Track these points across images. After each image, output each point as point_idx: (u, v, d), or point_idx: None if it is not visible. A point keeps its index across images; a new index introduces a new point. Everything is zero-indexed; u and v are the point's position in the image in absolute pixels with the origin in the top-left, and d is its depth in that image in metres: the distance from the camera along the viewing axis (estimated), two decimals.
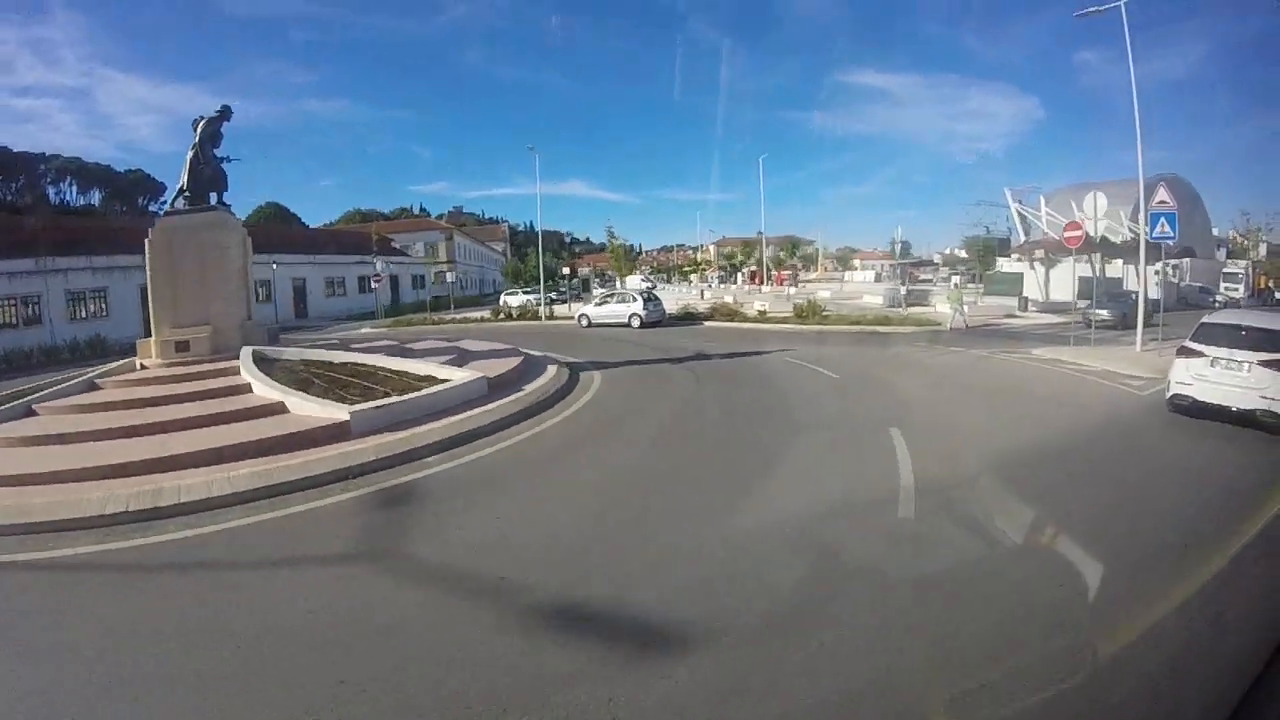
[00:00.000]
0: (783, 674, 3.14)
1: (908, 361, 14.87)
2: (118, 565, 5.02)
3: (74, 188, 62.81)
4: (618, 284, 43.08)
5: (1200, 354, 8.27)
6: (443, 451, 7.44)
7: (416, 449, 7.35)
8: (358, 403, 8.53)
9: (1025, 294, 32.95)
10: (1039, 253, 35.47)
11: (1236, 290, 38.13)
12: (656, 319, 24.85)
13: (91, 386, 10.84)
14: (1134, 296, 19.10)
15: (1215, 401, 8.00)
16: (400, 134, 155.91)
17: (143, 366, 11.81)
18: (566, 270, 44.10)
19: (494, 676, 3.19)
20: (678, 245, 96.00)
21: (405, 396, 9.00)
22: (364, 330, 27.87)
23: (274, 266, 36.35)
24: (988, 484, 6.29)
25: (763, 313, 26.11)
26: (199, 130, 13.21)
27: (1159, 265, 30.02)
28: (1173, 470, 6.80)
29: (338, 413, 8.10)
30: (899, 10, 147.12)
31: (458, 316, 32.59)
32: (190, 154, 13.19)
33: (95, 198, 63.35)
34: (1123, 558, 4.46)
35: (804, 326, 23.12)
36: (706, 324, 25.54)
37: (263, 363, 10.66)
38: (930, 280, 51.17)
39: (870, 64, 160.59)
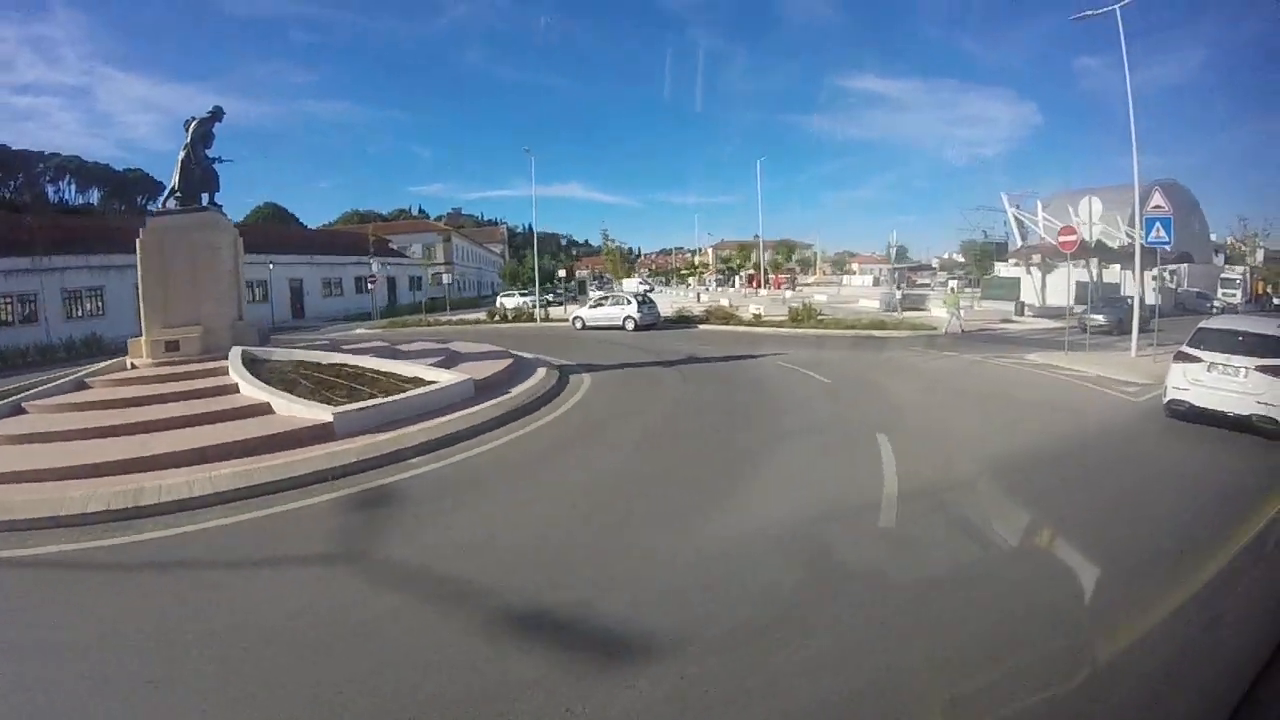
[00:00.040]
0: (746, 686, 3.11)
1: (900, 366, 14.84)
2: (97, 564, 5.01)
3: (73, 186, 62.99)
4: (614, 287, 43.08)
5: (1197, 359, 8.26)
6: (426, 453, 7.42)
7: (400, 450, 7.33)
8: (343, 404, 8.52)
9: (1022, 299, 32.99)
10: (1036, 258, 35.52)
11: (1234, 296, 38.13)
12: (651, 322, 24.86)
13: (81, 385, 10.84)
14: (1130, 302, 19.11)
15: (1212, 407, 8.00)
16: (399, 135, 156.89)
17: (133, 366, 11.81)
18: (563, 272, 44.12)
19: (456, 681, 3.18)
20: (676, 248, 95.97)
21: (391, 398, 8.99)
22: (359, 331, 27.88)
23: (270, 267, 36.36)
24: (974, 491, 6.24)
25: (758, 316, 26.15)
26: (190, 131, 13.22)
27: (1156, 270, 30.10)
28: (1168, 476, 6.77)
29: (322, 414, 8.09)
30: (899, 15, 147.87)
31: (453, 318, 32.61)
32: (182, 154, 13.20)
33: (94, 196, 63.49)
34: (1115, 564, 4.46)
35: (798, 330, 23.14)
36: (701, 327, 25.57)
37: (251, 363, 10.66)
38: (928, 285, 51.24)
39: (870, 68, 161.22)
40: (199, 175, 13.31)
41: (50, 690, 3.25)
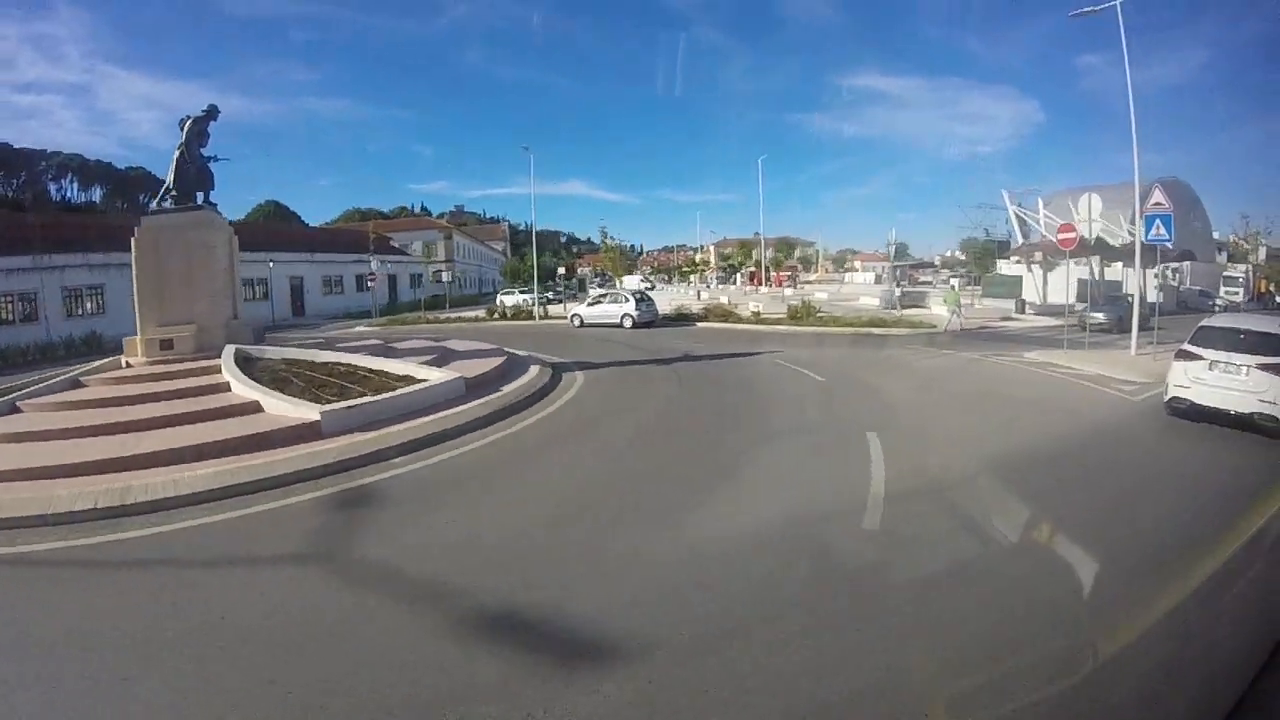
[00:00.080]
0: (711, 693, 3.06)
1: (897, 364, 14.78)
2: (79, 562, 5.02)
3: (75, 184, 63.13)
4: (615, 285, 43.07)
5: (1199, 357, 8.25)
6: (411, 452, 7.40)
7: (384, 450, 7.32)
8: (331, 402, 8.52)
9: (1023, 297, 32.90)
10: (1037, 255, 35.39)
11: (1236, 294, 38.03)
12: (649, 320, 24.84)
13: (76, 384, 10.88)
14: (1130, 300, 19.02)
15: (1213, 405, 7.99)
16: (401, 133, 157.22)
17: (128, 365, 11.85)
18: (563, 270, 44.12)
19: (421, 683, 3.16)
20: (678, 246, 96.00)
21: (378, 396, 8.98)
22: (358, 329, 27.90)
23: (271, 265, 36.46)
24: (963, 492, 6.17)
25: (756, 314, 26.11)
26: (185, 129, 13.23)
27: (1159, 269, 29.93)
28: (1167, 475, 6.72)
29: (309, 413, 8.09)
30: (901, 13, 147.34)
31: (452, 316, 32.64)
32: (177, 153, 13.22)
33: (96, 194, 63.62)
34: (1112, 564, 4.43)
35: (797, 328, 23.10)
36: (700, 325, 25.54)
37: (244, 362, 10.67)
38: (930, 282, 51.13)
39: (872, 66, 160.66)
40: (194, 174, 13.33)
41: (23, 688, 3.25)
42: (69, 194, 62.70)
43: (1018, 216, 38.23)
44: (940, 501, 5.91)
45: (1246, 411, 7.68)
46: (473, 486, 6.53)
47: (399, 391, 9.30)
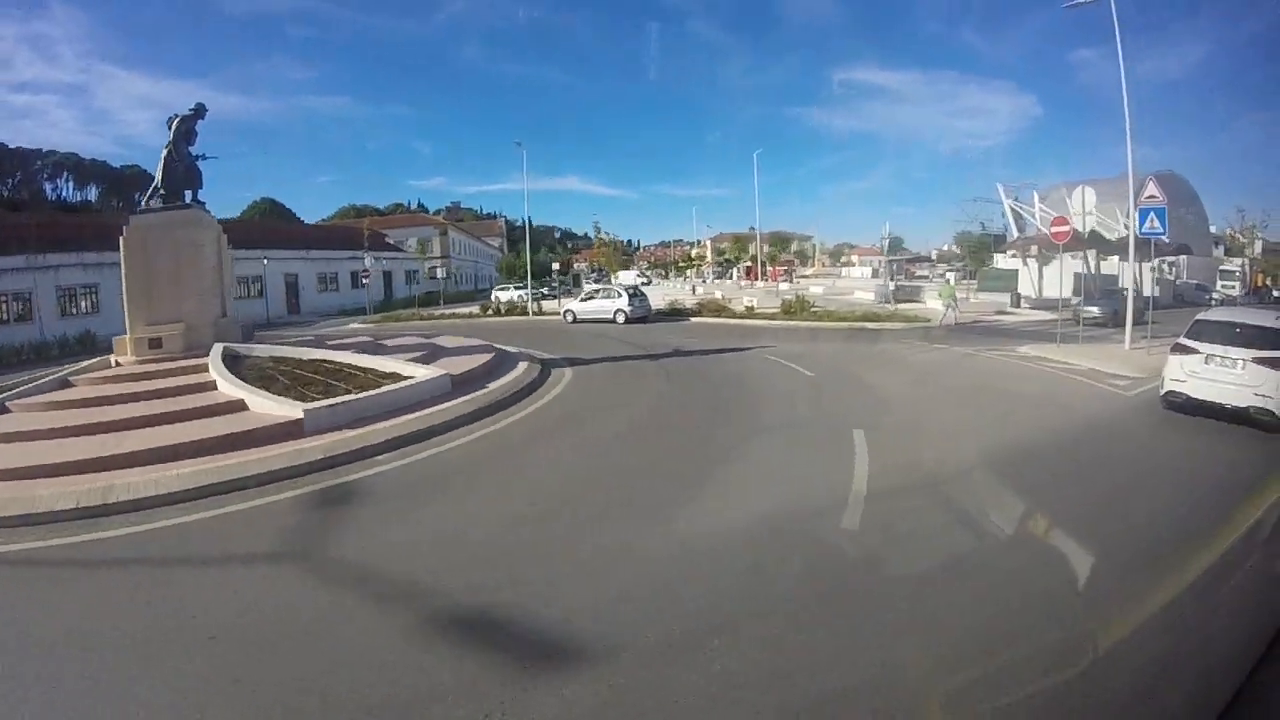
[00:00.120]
0: (672, 698, 3.03)
1: (889, 359, 14.74)
2: (58, 561, 5.04)
3: (71, 184, 62.97)
4: (610, 279, 43.02)
5: (1195, 351, 8.26)
6: (393, 450, 7.40)
7: (366, 447, 7.32)
8: (315, 400, 8.52)
9: (1019, 290, 32.85)
10: (1033, 249, 35.33)
11: (1233, 288, 38.00)
12: (642, 315, 24.83)
13: (65, 384, 10.89)
14: (1125, 294, 19.00)
15: (1209, 399, 8.00)
16: (398, 129, 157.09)
17: (117, 364, 11.85)
18: (557, 266, 44.05)
19: (377, 684, 3.17)
20: (675, 240, 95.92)
21: (362, 394, 8.98)
22: (352, 326, 27.86)
23: (265, 262, 36.38)
24: (948, 491, 6.08)
25: (750, 309, 26.07)
26: (173, 128, 13.22)
27: (1155, 263, 29.86)
28: (1162, 470, 6.68)
29: (292, 410, 8.09)
30: (899, 7, 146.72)
31: (446, 312, 32.56)
32: (165, 152, 13.22)
33: (92, 193, 63.50)
34: (1103, 560, 4.41)
35: (790, 323, 23.08)
36: (693, 320, 25.52)
37: (232, 360, 10.67)
38: (926, 276, 51.06)
39: (870, 60, 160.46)
40: (182, 172, 13.32)
41: None
42: (64, 193, 62.62)
43: (1013, 210, 38.18)
44: (924, 499, 5.82)
45: (1242, 405, 7.69)
46: (454, 483, 6.53)
47: (383, 389, 9.30)
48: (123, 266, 12.17)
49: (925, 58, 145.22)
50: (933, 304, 27.59)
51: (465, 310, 33.39)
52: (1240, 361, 7.77)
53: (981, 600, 3.90)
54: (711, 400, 10.26)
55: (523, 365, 12.60)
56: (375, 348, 13.32)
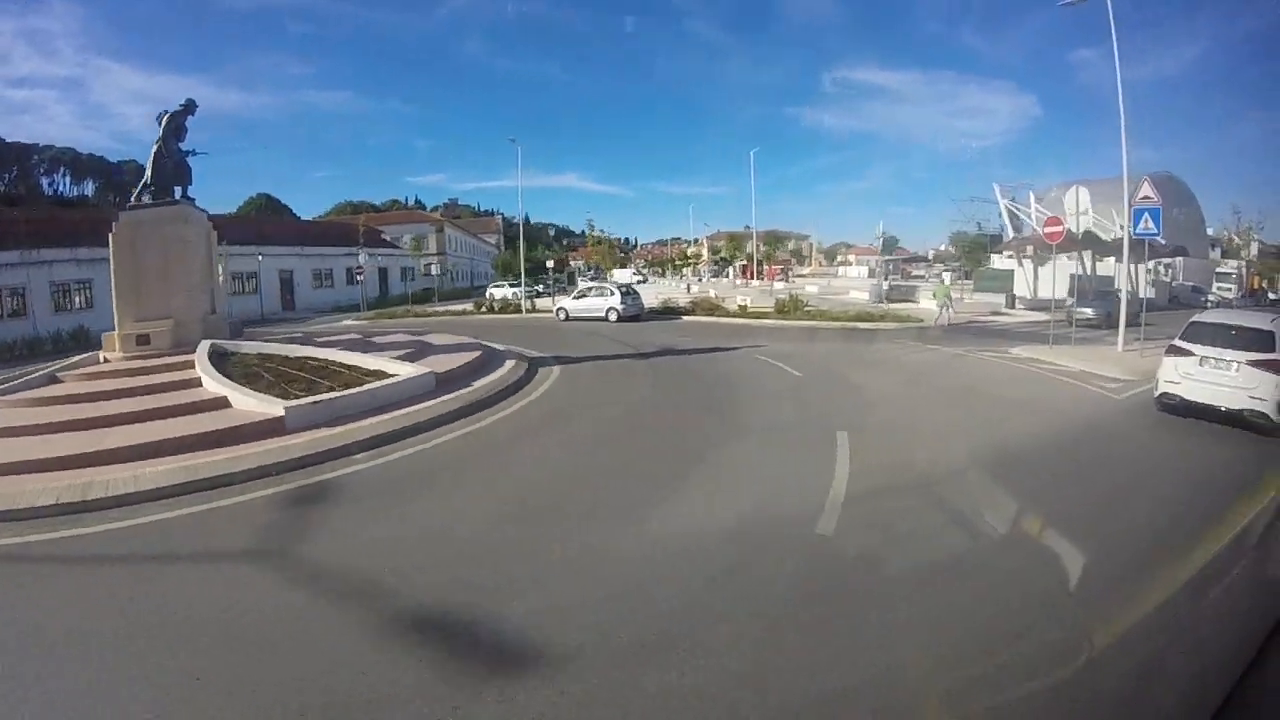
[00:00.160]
0: (625, 708, 3.01)
1: (879, 359, 14.70)
2: (33, 557, 5.05)
3: (68, 178, 62.86)
4: (605, 277, 43.02)
5: (1189, 353, 8.28)
6: (373, 448, 7.41)
7: (346, 445, 7.33)
8: (298, 398, 8.53)
9: (1015, 291, 32.84)
10: (1029, 249, 35.32)
11: (1229, 290, 38.00)
12: (634, 313, 24.83)
13: (52, 379, 10.92)
14: (1119, 295, 18.99)
15: (1203, 400, 8.03)
16: (397, 126, 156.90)
17: (105, 360, 11.88)
18: (551, 263, 44.05)
19: (338, 685, 3.17)
20: (673, 239, 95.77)
21: (345, 392, 8.99)
22: (345, 322, 27.86)
23: (260, 258, 36.34)
24: (927, 495, 6.01)
25: (743, 308, 26.08)
26: (163, 124, 13.24)
27: (1151, 264, 29.82)
28: (1153, 474, 6.62)
29: (273, 408, 8.11)
30: (898, 6, 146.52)
31: (440, 309, 32.55)
32: (154, 148, 13.23)
33: (89, 188, 63.40)
34: (1081, 571, 4.39)
35: (783, 322, 23.08)
36: (686, 319, 25.52)
37: (218, 357, 10.68)
38: (923, 276, 51.04)
39: (869, 60, 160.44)
40: (171, 169, 13.34)
41: None
42: (61, 188, 62.55)
43: (1009, 210, 38.15)
44: (903, 503, 5.73)
45: (1237, 408, 7.71)
46: (430, 483, 6.53)
47: (366, 387, 9.31)
48: (112, 263, 12.20)
49: (925, 58, 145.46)
50: (927, 304, 27.59)
51: (459, 307, 33.37)
52: (1235, 364, 7.78)
53: (958, 610, 3.83)
54: (696, 400, 10.26)
55: (510, 363, 12.62)
56: (363, 345, 13.35)
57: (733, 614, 3.87)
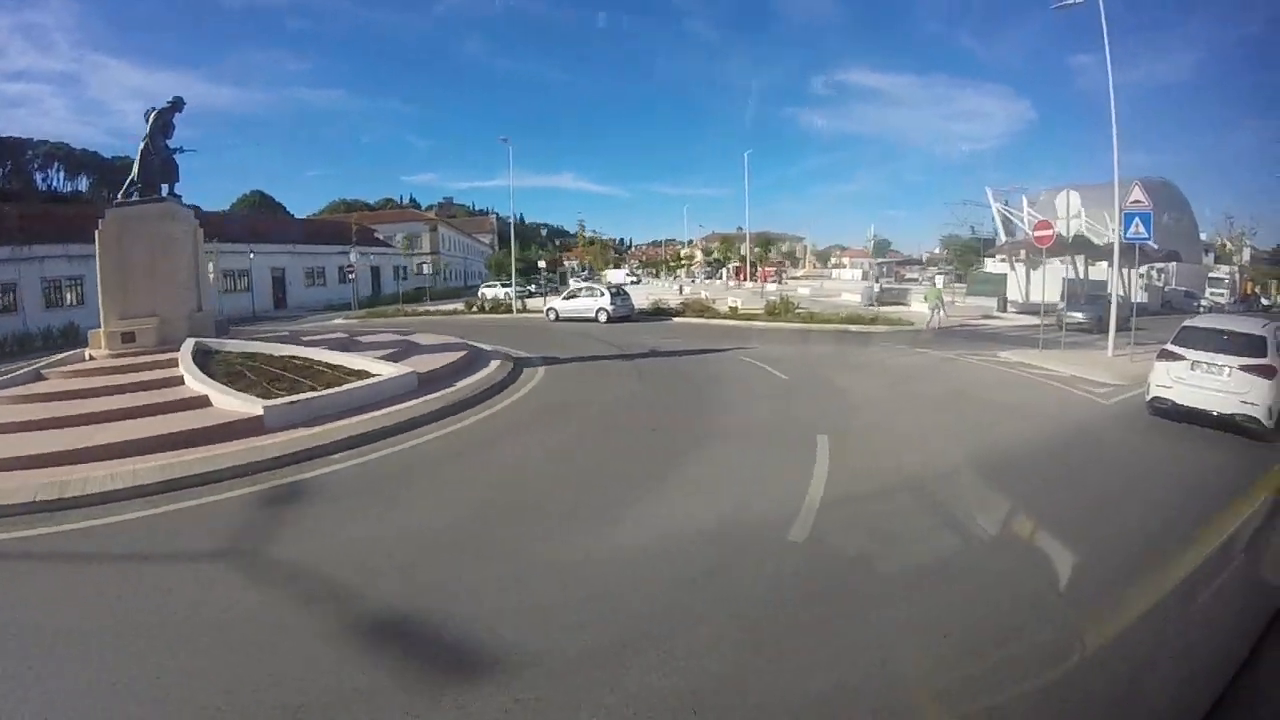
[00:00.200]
0: (607, 706, 3.00)
1: (867, 362, 14.70)
2: (7, 555, 5.02)
3: (61, 174, 62.56)
4: (598, 278, 43.04)
5: (1181, 357, 8.33)
6: (351, 449, 7.40)
7: (324, 445, 7.33)
8: (278, 397, 8.52)
9: (1007, 295, 32.93)
10: (1021, 253, 35.43)
11: (1222, 295, 38.19)
12: (624, 314, 24.84)
13: (38, 377, 10.89)
14: (1110, 299, 19.04)
15: (1195, 405, 8.08)
16: (393, 124, 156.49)
17: (90, 357, 11.86)
18: (543, 263, 44.06)
19: (290, 688, 3.17)
20: (668, 240, 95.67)
21: (325, 391, 8.98)
22: (335, 321, 27.79)
23: (252, 256, 36.24)
24: (905, 500, 5.97)
25: (734, 309, 26.12)
26: (150, 121, 13.21)
27: (1144, 269, 29.92)
28: (1137, 483, 6.55)
29: (253, 407, 8.10)
30: (895, 10, 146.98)
31: (431, 309, 32.53)
32: (142, 145, 13.21)
33: (83, 184, 63.08)
34: (1059, 581, 4.39)
35: (774, 324, 23.12)
36: (676, 320, 25.53)
37: (203, 355, 10.66)
38: (915, 279, 51.17)
39: (865, 62, 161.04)
40: (158, 166, 13.33)
41: None
42: (55, 184, 62.22)
43: (1002, 214, 38.25)
44: (879, 508, 5.69)
45: (1228, 412, 7.77)
46: (405, 484, 6.53)
47: (346, 386, 9.30)
48: (98, 260, 12.17)
49: (921, 61, 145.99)
50: (918, 307, 27.64)
51: (449, 307, 33.31)
52: (1227, 369, 7.83)
53: (933, 620, 3.78)
54: (679, 403, 10.25)
55: (495, 364, 12.62)
56: (347, 344, 13.33)
57: (712, 615, 3.87)
